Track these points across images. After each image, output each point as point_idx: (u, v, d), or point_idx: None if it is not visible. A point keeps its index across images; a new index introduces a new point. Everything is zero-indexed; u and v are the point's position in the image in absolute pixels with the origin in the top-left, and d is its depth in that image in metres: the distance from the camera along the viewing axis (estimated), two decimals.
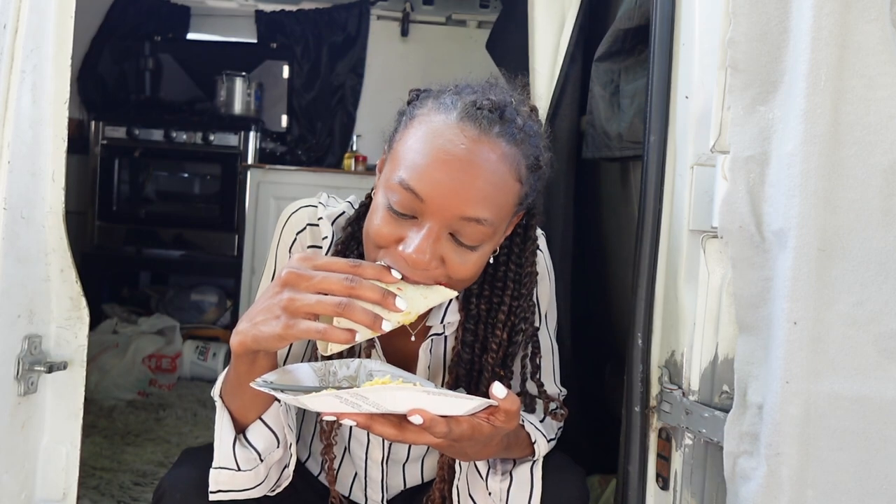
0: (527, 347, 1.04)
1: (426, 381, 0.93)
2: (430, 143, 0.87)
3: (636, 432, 1.03)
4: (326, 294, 0.78)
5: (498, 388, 0.79)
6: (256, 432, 0.92)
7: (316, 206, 1.05)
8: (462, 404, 0.77)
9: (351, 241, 1.02)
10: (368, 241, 0.92)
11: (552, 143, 1.70)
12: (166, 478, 1.00)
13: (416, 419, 0.75)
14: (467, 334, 1.03)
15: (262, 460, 0.92)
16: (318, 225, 1.04)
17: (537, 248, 1.05)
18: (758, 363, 0.87)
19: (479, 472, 0.98)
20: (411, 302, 0.83)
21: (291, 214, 1.04)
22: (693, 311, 0.97)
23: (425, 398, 0.75)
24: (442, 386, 1.05)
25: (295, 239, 1.04)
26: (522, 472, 0.98)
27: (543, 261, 1.10)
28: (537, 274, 1.05)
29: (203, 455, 0.96)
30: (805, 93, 0.82)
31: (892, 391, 0.83)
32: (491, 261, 0.99)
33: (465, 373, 1.03)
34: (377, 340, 1.03)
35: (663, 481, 1.01)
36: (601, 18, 1.61)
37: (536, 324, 1.07)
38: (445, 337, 1.05)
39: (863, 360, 0.83)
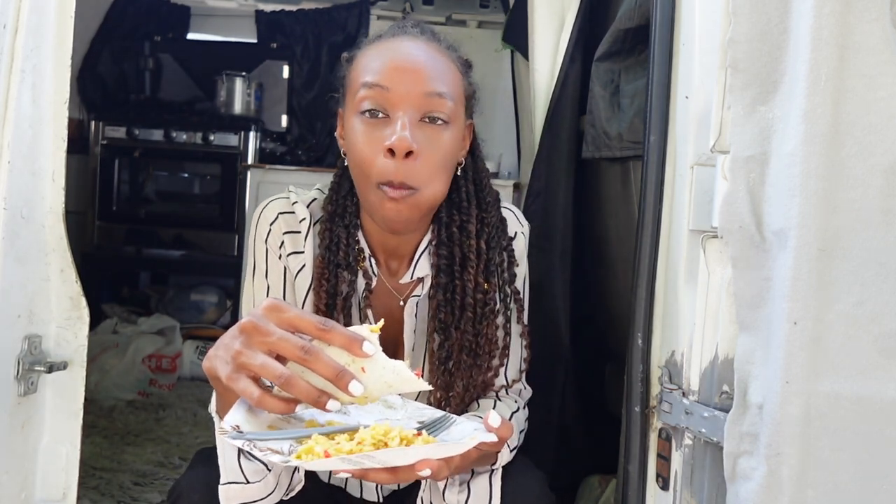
0: (501, 255, 1.10)
1: (400, 399, 0.87)
2: (376, 54, 1.01)
3: (636, 432, 1.03)
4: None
5: (494, 418, 0.79)
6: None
7: (287, 197, 1.09)
8: (464, 445, 0.75)
9: (334, 217, 1.07)
10: (357, 172, 1.00)
11: (552, 142, 1.71)
12: (182, 480, 0.99)
13: (426, 472, 0.73)
14: (442, 259, 1.06)
15: (269, 470, 0.91)
16: (292, 212, 1.07)
17: (487, 168, 1.14)
18: (758, 363, 0.87)
19: (437, 484, 0.97)
20: (374, 386, 0.75)
21: (263, 209, 1.09)
22: (693, 311, 0.97)
23: (432, 449, 0.73)
24: (429, 316, 1.08)
25: (269, 230, 1.07)
26: (481, 483, 0.97)
27: (515, 218, 1.15)
28: (498, 193, 1.13)
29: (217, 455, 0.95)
30: (805, 93, 0.82)
31: (892, 391, 0.83)
32: (458, 172, 1.07)
33: (445, 300, 1.06)
34: (370, 310, 1.07)
35: (663, 481, 1.01)
36: (601, 18, 1.61)
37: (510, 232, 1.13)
38: (429, 297, 1.09)
39: (863, 360, 0.83)
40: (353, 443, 0.72)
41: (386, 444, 0.72)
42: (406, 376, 0.75)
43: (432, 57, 1.00)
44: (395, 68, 0.97)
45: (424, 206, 1.00)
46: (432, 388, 0.85)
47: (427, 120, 0.97)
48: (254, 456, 0.86)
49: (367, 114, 0.97)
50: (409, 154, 0.94)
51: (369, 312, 1.07)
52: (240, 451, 0.89)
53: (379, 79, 0.96)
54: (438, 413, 0.86)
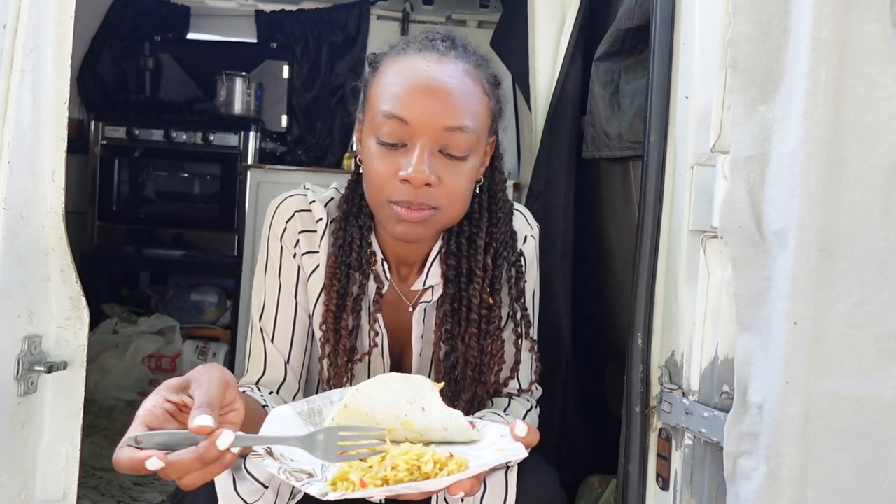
0: (510, 271, 1.08)
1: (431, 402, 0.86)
2: (399, 76, 0.96)
3: (636, 432, 1.03)
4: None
5: (520, 428, 0.79)
6: (253, 464, 0.89)
7: (304, 194, 1.08)
8: (495, 461, 0.75)
9: (349, 216, 1.06)
10: (371, 191, 0.99)
11: (552, 142, 1.70)
12: None
13: (461, 495, 0.74)
14: (450, 270, 1.06)
15: (266, 487, 0.89)
16: (309, 210, 1.06)
17: (505, 180, 1.11)
18: (758, 363, 0.87)
19: None
20: (432, 427, 0.80)
21: (279, 204, 1.07)
22: (693, 311, 0.97)
23: (467, 473, 0.72)
24: (436, 324, 1.07)
25: (285, 227, 1.06)
26: (496, 479, 0.96)
27: (525, 220, 1.13)
28: (512, 205, 1.11)
29: None
30: (805, 93, 0.82)
31: (892, 391, 0.83)
32: (476, 189, 1.05)
33: (452, 309, 1.06)
34: (380, 315, 1.07)
35: (663, 481, 1.01)
36: (601, 18, 1.61)
37: (518, 248, 1.11)
38: (437, 304, 1.09)
39: (863, 360, 0.83)
40: (387, 468, 0.72)
41: (419, 468, 0.72)
42: (462, 424, 0.81)
43: (458, 82, 0.95)
44: (417, 98, 0.93)
45: (441, 225, 1.00)
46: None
47: (445, 155, 0.96)
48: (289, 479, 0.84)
49: (384, 144, 0.96)
50: (426, 184, 0.94)
51: (379, 316, 1.07)
52: (233, 477, 0.88)
53: (399, 110, 0.93)
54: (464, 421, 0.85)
